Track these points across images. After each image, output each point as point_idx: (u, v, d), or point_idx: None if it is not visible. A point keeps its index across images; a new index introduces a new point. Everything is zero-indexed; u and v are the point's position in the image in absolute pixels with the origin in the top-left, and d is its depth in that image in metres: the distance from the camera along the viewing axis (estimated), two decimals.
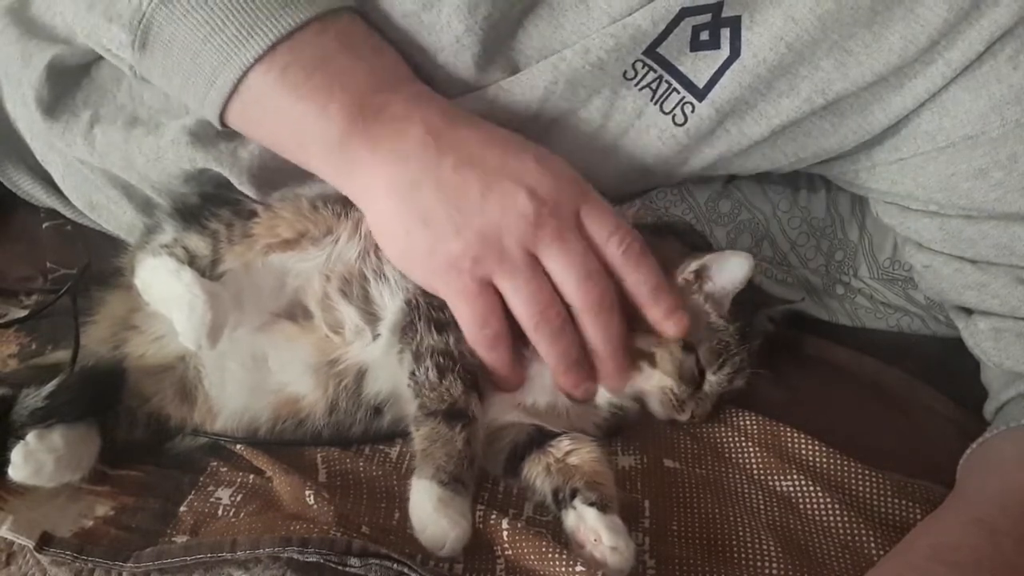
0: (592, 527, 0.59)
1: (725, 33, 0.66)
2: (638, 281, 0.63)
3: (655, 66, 0.68)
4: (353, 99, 0.61)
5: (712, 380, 0.70)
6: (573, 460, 0.65)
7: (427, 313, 0.67)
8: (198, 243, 0.69)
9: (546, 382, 0.68)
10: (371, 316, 0.69)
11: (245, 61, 0.60)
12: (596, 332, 0.63)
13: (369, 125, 0.61)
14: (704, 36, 0.66)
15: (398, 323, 0.68)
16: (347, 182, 0.64)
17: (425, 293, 0.67)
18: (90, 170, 0.80)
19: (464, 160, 0.60)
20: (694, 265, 0.68)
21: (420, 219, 0.61)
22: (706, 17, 0.65)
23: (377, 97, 0.61)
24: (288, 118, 0.62)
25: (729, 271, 0.68)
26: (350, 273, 0.69)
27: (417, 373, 0.65)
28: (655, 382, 0.69)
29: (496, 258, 0.60)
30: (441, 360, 0.65)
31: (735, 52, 0.66)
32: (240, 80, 0.60)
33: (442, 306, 0.65)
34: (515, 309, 0.62)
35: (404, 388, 0.67)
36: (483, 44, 0.66)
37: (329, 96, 0.61)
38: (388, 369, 0.68)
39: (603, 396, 0.69)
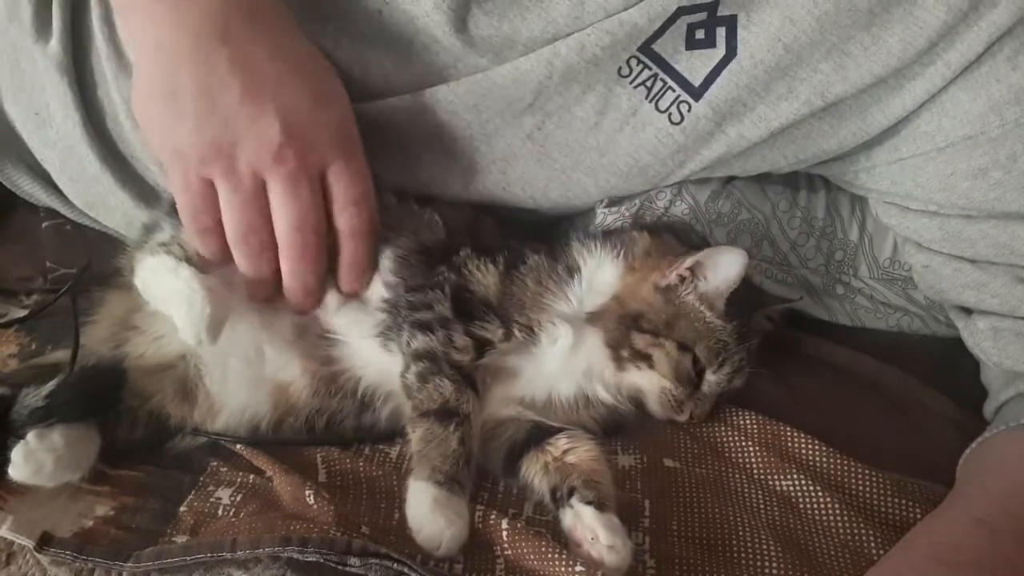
0: (589, 526, 0.59)
1: (721, 32, 0.66)
2: (346, 255, 0.65)
3: (650, 63, 0.68)
4: None
5: (711, 380, 0.70)
6: (571, 458, 0.65)
7: (410, 315, 0.67)
8: None
9: (540, 372, 0.68)
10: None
11: None
12: (290, 273, 0.64)
13: None
14: (700, 34, 0.66)
15: (384, 305, 0.69)
16: (123, 19, 0.62)
17: (407, 293, 0.67)
18: (88, 160, 0.80)
19: (241, 60, 0.57)
20: (688, 262, 0.68)
21: (170, 92, 0.58)
22: (702, 15, 0.65)
23: None
24: None
25: (723, 267, 0.68)
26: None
27: (406, 376, 0.66)
28: (653, 382, 0.69)
29: (222, 168, 0.59)
30: (424, 362, 0.65)
31: (731, 51, 0.66)
32: None
33: (423, 306, 0.66)
34: (223, 217, 0.62)
35: (389, 378, 0.67)
36: (454, 23, 0.66)
37: None
38: (365, 352, 0.68)
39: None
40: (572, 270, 0.71)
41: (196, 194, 0.61)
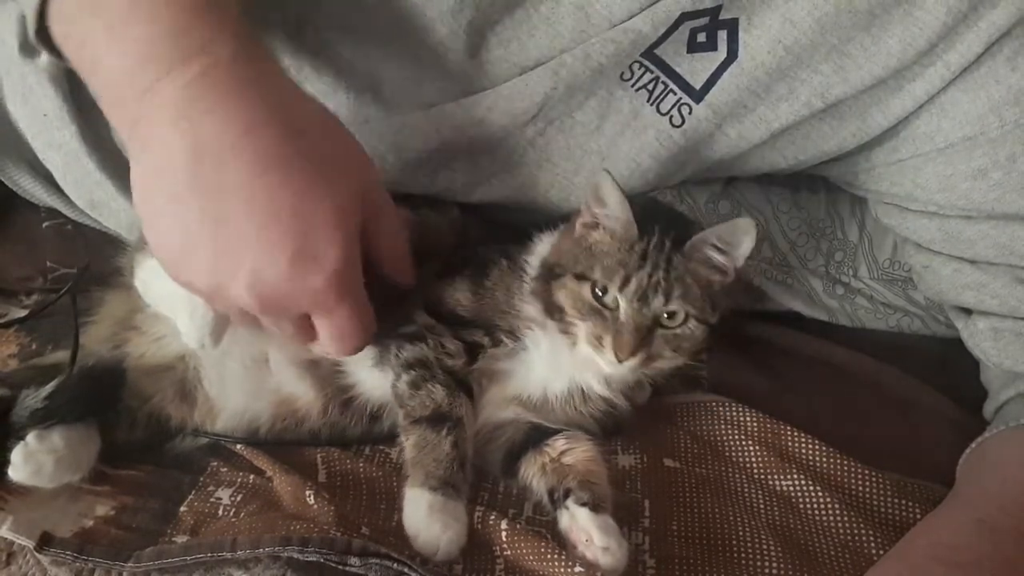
0: (583, 527, 0.59)
1: (722, 35, 0.66)
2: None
3: (652, 67, 0.68)
4: (128, 62, 0.51)
5: (623, 304, 0.63)
6: (568, 459, 0.65)
7: (394, 330, 0.67)
8: None
9: (531, 374, 0.68)
10: None
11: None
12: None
13: (135, 111, 0.52)
14: (701, 38, 0.66)
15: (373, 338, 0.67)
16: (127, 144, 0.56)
17: (384, 317, 0.66)
18: (89, 167, 0.80)
19: (212, 219, 0.51)
20: (585, 207, 0.66)
21: (151, 227, 0.54)
22: (704, 20, 0.65)
23: (151, 65, 0.51)
24: (77, 59, 0.55)
25: (605, 192, 0.64)
26: None
27: (396, 385, 0.66)
28: (580, 329, 0.65)
29: (209, 299, 0.57)
30: (416, 371, 0.65)
31: (732, 54, 0.66)
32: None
33: (406, 320, 0.66)
34: None
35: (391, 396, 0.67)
36: (468, 49, 0.66)
37: (104, 51, 0.52)
38: (374, 379, 0.68)
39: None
40: (527, 265, 0.70)
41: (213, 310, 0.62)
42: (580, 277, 0.64)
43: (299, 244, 0.52)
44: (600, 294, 0.64)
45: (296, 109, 0.55)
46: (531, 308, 0.67)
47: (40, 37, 0.56)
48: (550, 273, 0.67)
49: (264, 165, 0.51)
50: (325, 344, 0.58)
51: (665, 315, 0.63)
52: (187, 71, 0.50)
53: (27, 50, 0.78)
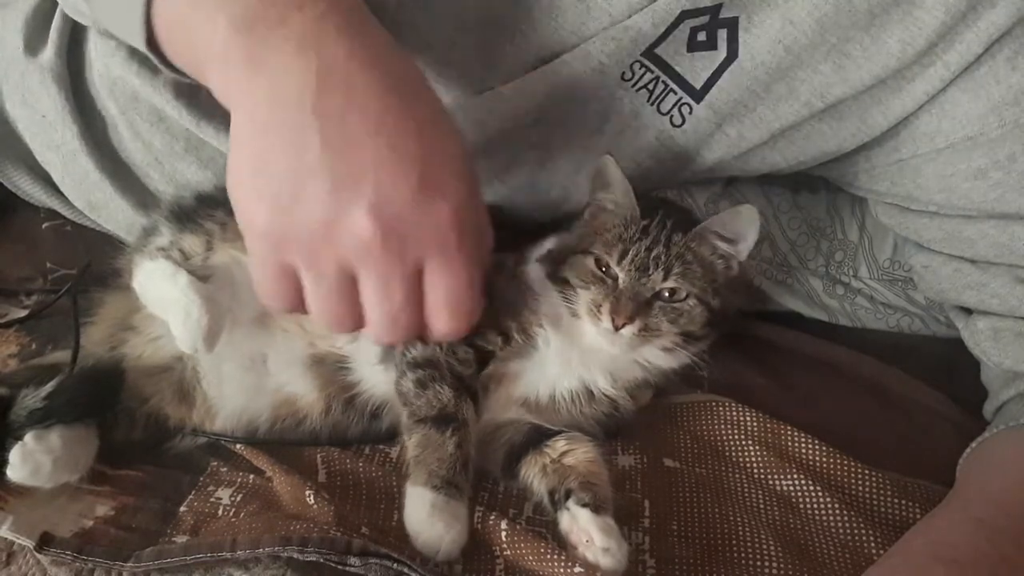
0: (584, 528, 0.59)
1: (722, 34, 0.66)
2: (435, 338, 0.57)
3: (652, 67, 0.68)
4: (243, 13, 0.50)
5: (622, 276, 0.65)
6: (569, 460, 0.65)
7: None
8: (193, 243, 0.69)
9: (543, 373, 0.68)
10: None
11: None
12: (375, 339, 0.57)
13: (255, 46, 0.50)
14: (701, 37, 0.66)
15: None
16: (217, 82, 0.53)
17: None
18: (88, 168, 0.80)
19: (336, 141, 0.49)
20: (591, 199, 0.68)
21: (257, 170, 0.51)
22: (704, 18, 0.65)
23: (272, 10, 0.50)
24: (186, 32, 0.53)
25: (610, 174, 0.66)
26: None
27: (401, 383, 0.66)
28: (581, 297, 0.66)
29: (305, 258, 0.52)
30: (424, 370, 0.65)
31: (732, 53, 0.66)
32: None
33: None
34: (306, 299, 0.54)
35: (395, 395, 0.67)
36: (476, 46, 0.66)
37: (217, 11, 0.50)
38: (377, 375, 0.68)
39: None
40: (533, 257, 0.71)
41: (273, 279, 0.53)
42: (584, 251, 0.67)
43: (425, 170, 0.49)
44: (603, 269, 0.66)
45: (410, 65, 0.54)
46: (541, 300, 0.68)
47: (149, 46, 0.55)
48: (559, 256, 0.68)
49: (393, 88, 0.50)
50: (437, 310, 0.53)
51: (666, 292, 0.65)
52: (312, 7, 0.50)
53: (31, 48, 0.79)
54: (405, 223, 0.49)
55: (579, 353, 0.67)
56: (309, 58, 0.49)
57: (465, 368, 0.66)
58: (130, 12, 0.54)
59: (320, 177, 0.49)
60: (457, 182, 0.51)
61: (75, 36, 0.78)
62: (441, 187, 0.50)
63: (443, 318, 0.53)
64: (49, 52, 0.78)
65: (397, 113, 0.50)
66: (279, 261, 0.52)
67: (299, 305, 0.54)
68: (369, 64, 0.50)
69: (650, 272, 0.64)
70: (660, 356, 0.68)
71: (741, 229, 0.65)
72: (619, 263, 0.65)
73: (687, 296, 0.65)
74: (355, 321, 0.54)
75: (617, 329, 0.63)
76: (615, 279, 0.65)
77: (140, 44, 0.55)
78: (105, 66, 0.76)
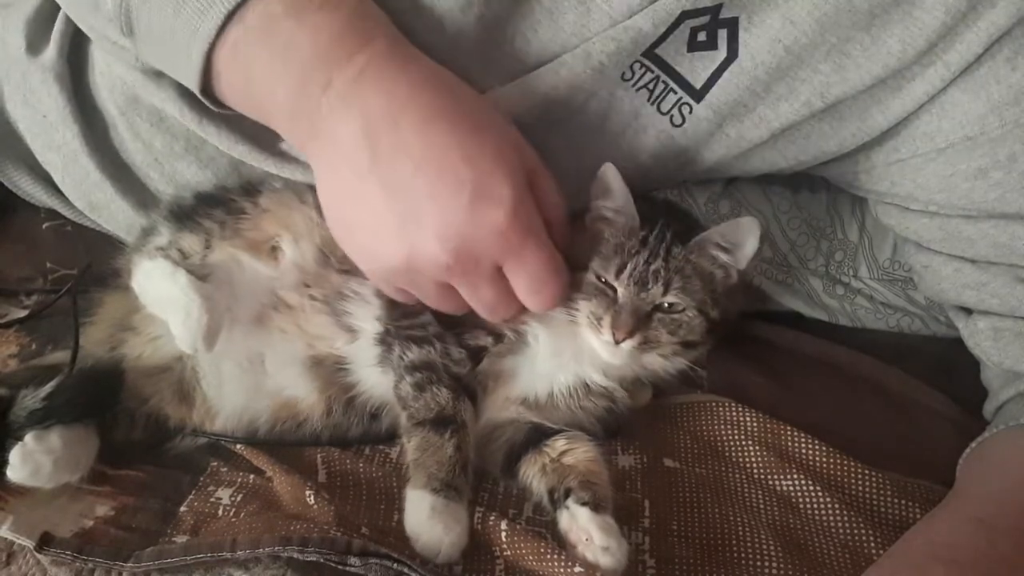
0: (584, 527, 0.59)
1: (722, 34, 0.66)
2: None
3: (652, 67, 0.68)
4: (297, 78, 0.56)
5: (620, 290, 0.65)
6: (568, 460, 0.65)
7: (401, 333, 0.67)
8: (192, 242, 0.69)
9: (538, 370, 0.68)
10: (349, 328, 0.69)
11: (208, 34, 0.56)
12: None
13: (311, 116, 0.57)
14: (701, 37, 0.66)
15: (377, 338, 0.68)
16: (309, 160, 0.61)
17: (395, 319, 0.67)
18: (88, 168, 0.80)
19: (391, 186, 0.55)
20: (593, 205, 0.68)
21: (344, 227, 0.60)
22: (705, 18, 0.65)
23: (319, 74, 0.56)
24: (247, 96, 0.60)
25: (610, 181, 0.66)
26: (325, 290, 0.70)
27: (399, 387, 0.66)
28: (580, 309, 0.66)
29: (406, 285, 0.60)
30: (421, 373, 0.65)
31: (733, 53, 0.66)
32: (210, 54, 0.57)
33: (415, 325, 0.66)
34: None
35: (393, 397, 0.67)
36: (478, 47, 0.66)
37: (275, 79, 0.57)
38: (376, 376, 0.69)
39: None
40: None
41: (396, 295, 0.64)
42: (582, 268, 0.66)
43: (474, 186, 0.54)
44: (603, 281, 0.65)
45: (445, 75, 0.59)
46: None
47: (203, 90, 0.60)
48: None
49: (430, 117, 0.55)
50: (525, 297, 0.59)
51: (666, 305, 0.65)
52: (351, 67, 0.55)
53: (33, 48, 0.79)
54: (469, 239, 0.55)
55: (571, 348, 0.67)
56: (354, 116, 0.55)
57: (460, 367, 0.66)
58: (187, 67, 0.59)
59: (387, 223, 0.55)
60: (504, 187, 0.55)
61: (77, 37, 0.78)
62: (490, 196, 0.55)
63: (532, 301, 0.60)
64: (51, 52, 0.78)
65: (439, 140, 0.55)
66: (391, 289, 0.62)
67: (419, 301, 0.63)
68: (408, 97, 0.55)
69: (649, 286, 0.64)
70: (657, 361, 0.68)
71: (741, 239, 0.65)
72: (617, 277, 0.65)
73: (686, 308, 0.65)
74: (463, 310, 0.62)
75: (618, 343, 0.64)
76: (614, 290, 0.65)
77: (193, 88, 0.60)
78: (108, 67, 0.76)
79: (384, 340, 0.68)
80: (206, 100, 0.62)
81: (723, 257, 0.66)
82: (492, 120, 0.59)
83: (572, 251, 0.65)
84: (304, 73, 0.56)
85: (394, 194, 0.55)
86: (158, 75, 0.70)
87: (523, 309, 0.61)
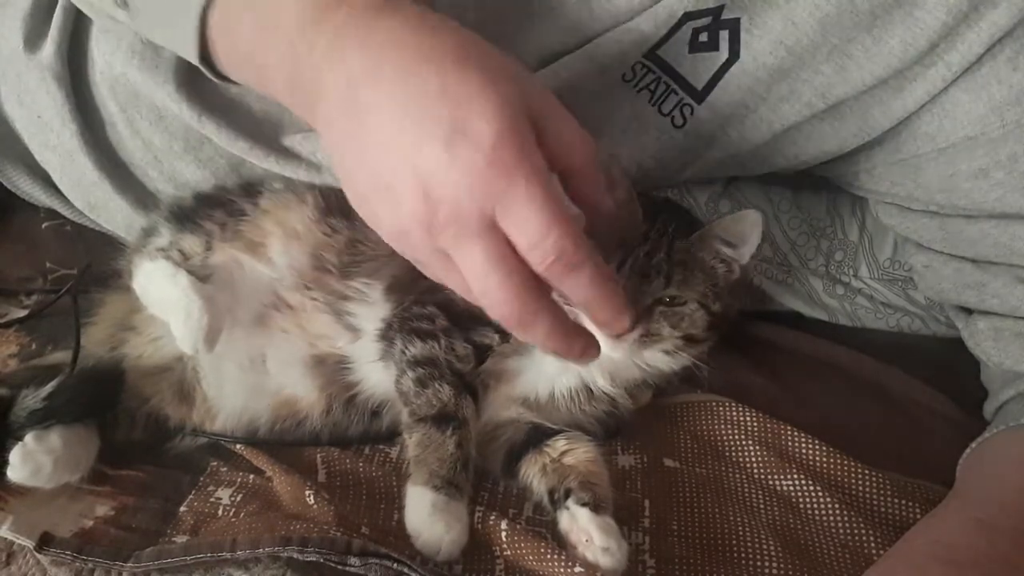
0: (584, 527, 0.59)
1: (724, 35, 0.66)
2: (569, 293, 0.50)
3: (654, 68, 0.68)
4: (286, 43, 0.52)
5: (622, 283, 0.63)
6: (568, 460, 0.65)
7: (405, 326, 0.67)
8: (192, 244, 0.69)
9: (541, 370, 0.68)
10: (351, 328, 0.69)
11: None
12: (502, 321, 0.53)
13: (304, 85, 0.52)
14: (703, 38, 0.66)
15: (379, 334, 0.68)
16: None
17: (401, 309, 0.67)
18: (86, 167, 0.80)
19: (379, 144, 0.49)
20: None
21: (359, 199, 0.52)
22: (706, 20, 0.65)
23: (304, 36, 0.51)
24: (246, 61, 0.55)
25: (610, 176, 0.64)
26: (325, 292, 0.70)
27: (401, 382, 0.66)
28: None
29: (416, 257, 0.52)
30: (424, 368, 0.65)
31: (734, 54, 0.66)
32: (204, 18, 0.54)
33: (422, 316, 0.66)
34: None
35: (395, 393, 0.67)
36: None
37: (266, 45, 0.53)
38: (378, 374, 0.68)
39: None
40: None
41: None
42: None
43: (450, 123, 0.46)
44: None
45: (429, 16, 0.52)
46: None
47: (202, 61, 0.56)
48: None
49: (412, 59, 0.49)
50: (527, 252, 0.48)
51: (667, 298, 0.65)
52: (329, 25, 0.50)
53: (31, 45, 0.78)
54: (444, 185, 0.46)
55: None
56: (337, 76, 0.49)
57: (464, 364, 0.66)
58: (183, 36, 0.55)
59: (381, 186, 0.49)
60: (482, 120, 0.46)
61: (76, 34, 0.78)
62: (466, 131, 0.46)
63: (535, 256, 0.48)
64: (49, 50, 0.77)
65: (419, 81, 0.48)
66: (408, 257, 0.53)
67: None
68: (384, 53, 0.49)
69: (651, 279, 0.64)
70: (660, 358, 0.67)
71: (744, 234, 0.65)
72: (619, 270, 0.64)
73: (688, 301, 0.65)
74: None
75: (619, 336, 0.63)
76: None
77: (192, 58, 0.56)
78: (107, 64, 0.76)
79: (386, 335, 0.68)
80: (206, 70, 0.57)
81: (726, 251, 0.66)
82: (481, 52, 0.50)
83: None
84: (291, 37, 0.51)
85: (385, 152, 0.48)
86: (157, 67, 0.70)
87: (529, 284, 0.48)
